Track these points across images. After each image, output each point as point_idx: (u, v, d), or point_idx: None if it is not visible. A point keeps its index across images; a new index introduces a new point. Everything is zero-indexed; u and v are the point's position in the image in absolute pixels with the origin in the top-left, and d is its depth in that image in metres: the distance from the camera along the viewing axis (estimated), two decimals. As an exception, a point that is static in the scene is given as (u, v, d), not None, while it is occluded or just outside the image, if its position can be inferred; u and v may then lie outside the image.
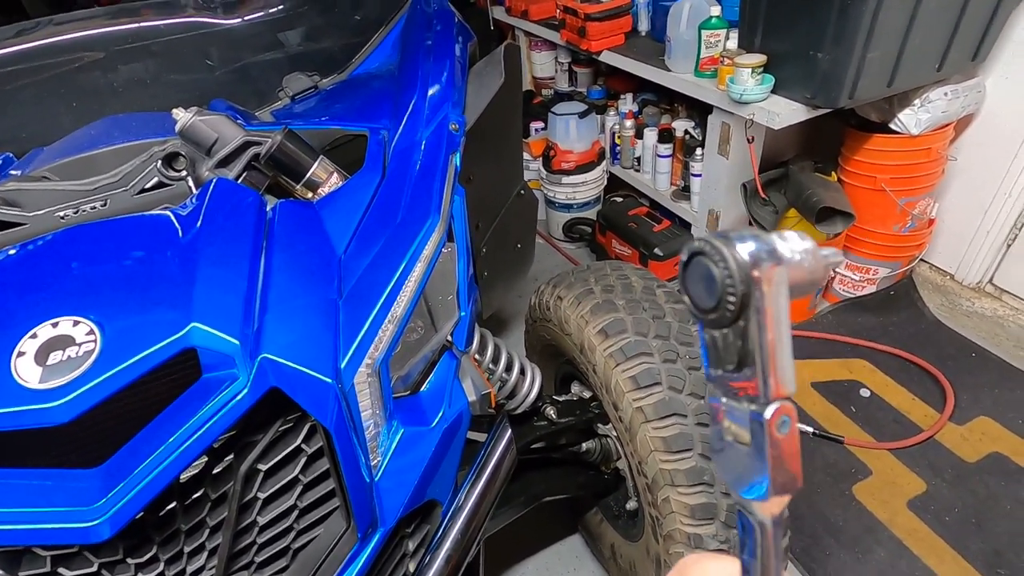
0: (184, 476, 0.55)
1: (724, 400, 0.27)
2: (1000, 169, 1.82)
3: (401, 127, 0.80)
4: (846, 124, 1.81)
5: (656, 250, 2.15)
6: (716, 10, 1.66)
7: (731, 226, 1.96)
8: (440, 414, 0.65)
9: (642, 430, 0.94)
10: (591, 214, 2.58)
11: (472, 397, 0.70)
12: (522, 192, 1.49)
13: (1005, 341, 1.88)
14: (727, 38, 1.68)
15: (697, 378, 0.94)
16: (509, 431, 0.82)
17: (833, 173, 1.86)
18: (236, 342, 0.55)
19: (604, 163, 2.50)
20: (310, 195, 0.81)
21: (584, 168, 2.46)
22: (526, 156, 2.65)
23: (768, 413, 0.25)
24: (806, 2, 1.43)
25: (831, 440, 1.65)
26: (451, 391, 0.68)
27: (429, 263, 0.66)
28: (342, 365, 0.58)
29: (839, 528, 1.45)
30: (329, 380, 0.56)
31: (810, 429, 1.67)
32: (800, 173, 1.77)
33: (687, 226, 2.15)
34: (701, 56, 1.73)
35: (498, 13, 2.92)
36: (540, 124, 2.70)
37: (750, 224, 1.89)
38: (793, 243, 0.25)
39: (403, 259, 0.65)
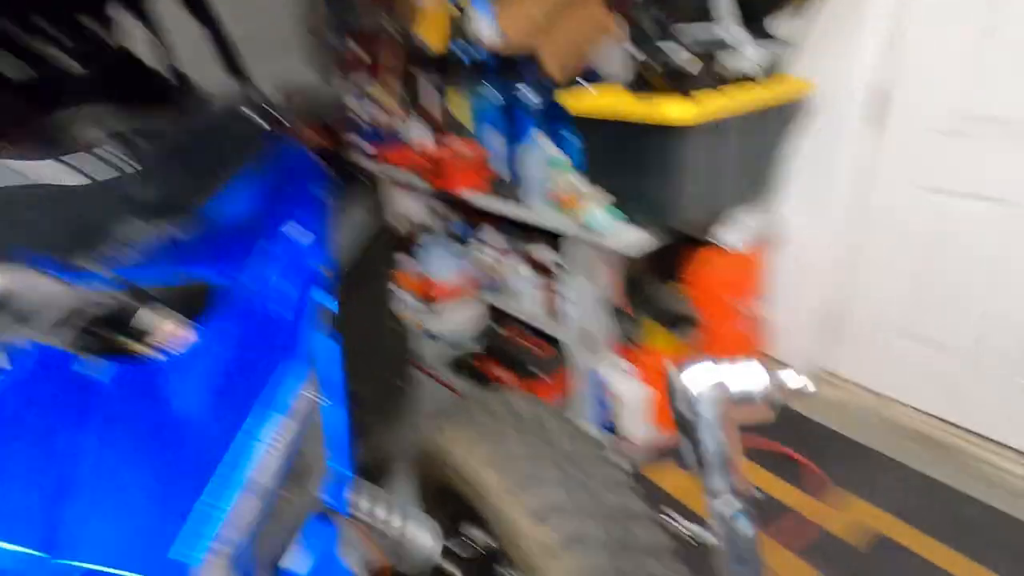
0: None
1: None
2: (807, 276, 2.16)
3: (257, 272, 0.75)
4: (682, 242, 2.08)
5: (536, 371, 2.18)
6: (560, 154, 1.89)
7: (601, 340, 2.07)
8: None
9: (549, 567, 0.86)
10: (469, 343, 2.59)
11: (360, 574, 0.59)
12: (396, 328, 1.46)
13: (854, 423, 2.09)
14: (573, 178, 1.89)
15: (604, 508, 0.90)
16: None
17: (679, 284, 2.09)
18: (32, 551, 0.42)
19: (477, 292, 2.57)
20: (151, 352, 0.70)
21: (458, 298, 2.51)
22: (401, 293, 2.65)
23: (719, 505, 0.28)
24: (631, 152, 1.69)
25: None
26: (333, 569, 0.57)
27: (297, 416, 0.59)
28: (185, 559, 0.46)
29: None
30: None
31: (680, 518, 1.67)
32: (651, 286, 1.96)
33: (561, 345, 2.23)
34: (552, 193, 1.92)
35: (363, 161, 3.06)
36: (410, 259, 2.75)
37: (621, 336, 2.01)
38: (746, 375, 0.35)
39: (264, 414, 0.56)
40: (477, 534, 1.21)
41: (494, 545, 1.10)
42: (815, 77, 1.87)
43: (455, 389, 2.50)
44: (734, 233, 1.95)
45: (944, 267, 1.87)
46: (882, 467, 1.88)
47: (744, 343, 2.16)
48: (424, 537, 0.95)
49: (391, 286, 1.46)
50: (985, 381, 1.87)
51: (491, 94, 2.34)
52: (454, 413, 1.10)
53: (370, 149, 2.97)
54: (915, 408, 2.08)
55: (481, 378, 2.46)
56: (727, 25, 1.67)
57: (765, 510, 1.75)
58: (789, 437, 2.01)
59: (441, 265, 2.45)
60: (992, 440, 1.90)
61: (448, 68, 2.79)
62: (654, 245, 1.79)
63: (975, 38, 1.64)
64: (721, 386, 0.29)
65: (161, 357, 0.65)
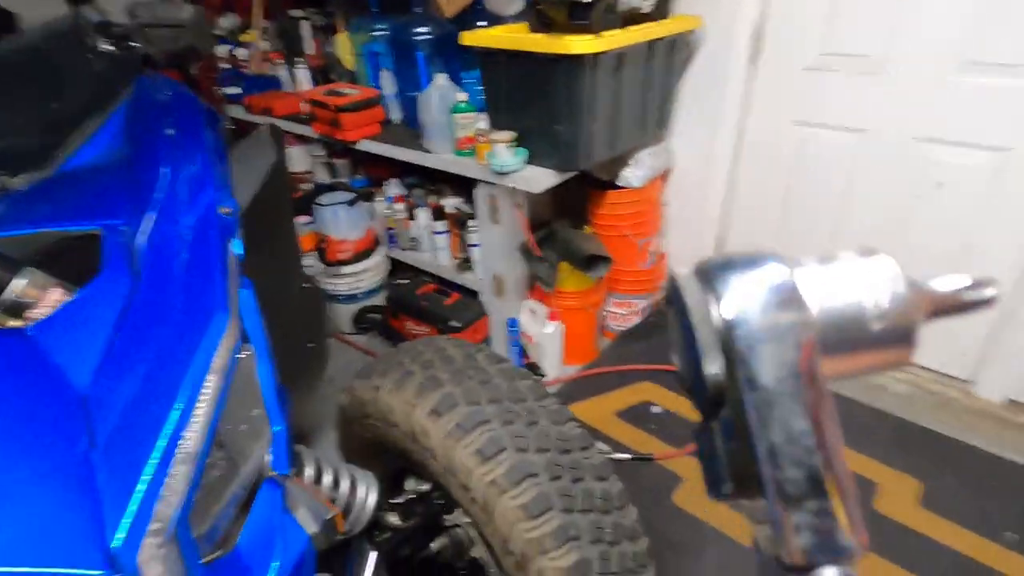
0: None
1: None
2: (696, 209, 2.32)
3: (149, 219, 0.64)
4: (588, 185, 2.12)
5: (452, 322, 2.16)
6: (463, 96, 1.81)
7: (514, 285, 2.09)
8: (276, 566, 0.49)
9: (499, 504, 0.88)
10: (378, 301, 2.50)
11: (313, 529, 0.55)
12: (306, 285, 1.36)
13: (735, 340, 2.33)
14: (477, 119, 1.84)
15: (539, 431, 0.92)
16: (372, 556, 0.67)
17: (587, 227, 2.14)
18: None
19: (382, 248, 2.47)
20: (17, 323, 0.58)
21: (362, 256, 2.39)
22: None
23: None
24: (537, 90, 1.66)
25: (644, 459, 1.79)
26: (283, 530, 0.52)
27: (225, 374, 0.52)
28: (114, 543, 0.39)
29: (672, 538, 1.55)
30: (97, 572, 0.37)
31: (628, 456, 1.80)
32: (563, 230, 2.00)
33: (475, 294, 2.23)
34: (457, 136, 1.86)
35: (237, 113, 2.75)
36: (307, 218, 2.56)
37: (533, 280, 2.04)
38: (851, 279, 0.16)
39: (187, 374, 0.49)
40: (411, 483, 1.21)
41: (437, 498, 1.10)
42: (702, 15, 1.95)
43: (370, 351, 2.42)
44: (634, 170, 2.02)
45: (804, 192, 2.09)
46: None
47: (651, 280, 2.29)
48: (363, 493, 0.93)
49: (294, 237, 1.34)
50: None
51: (380, 34, 2.19)
52: (384, 366, 1.06)
53: (240, 98, 2.67)
54: (790, 323, 2.34)
55: (395, 336, 2.40)
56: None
57: (667, 425, 1.91)
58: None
59: (339, 222, 2.31)
60: (851, 343, 2.21)
61: (329, 6, 2.55)
62: (560, 181, 1.80)
63: (834, -20, 1.79)
64: (798, 305, 0.15)
65: (35, 325, 0.54)
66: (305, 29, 2.67)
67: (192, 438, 0.47)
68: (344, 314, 2.48)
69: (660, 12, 1.82)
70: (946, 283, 0.18)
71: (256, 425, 0.57)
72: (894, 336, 0.17)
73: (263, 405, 0.59)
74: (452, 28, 2.07)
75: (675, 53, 1.92)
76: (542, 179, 1.74)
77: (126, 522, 0.40)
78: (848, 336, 0.16)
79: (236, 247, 0.67)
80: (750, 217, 2.27)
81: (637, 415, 1.98)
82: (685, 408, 1.99)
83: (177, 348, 0.51)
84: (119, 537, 0.39)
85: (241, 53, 2.84)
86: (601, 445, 1.83)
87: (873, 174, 1.92)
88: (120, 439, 0.45)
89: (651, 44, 1.77)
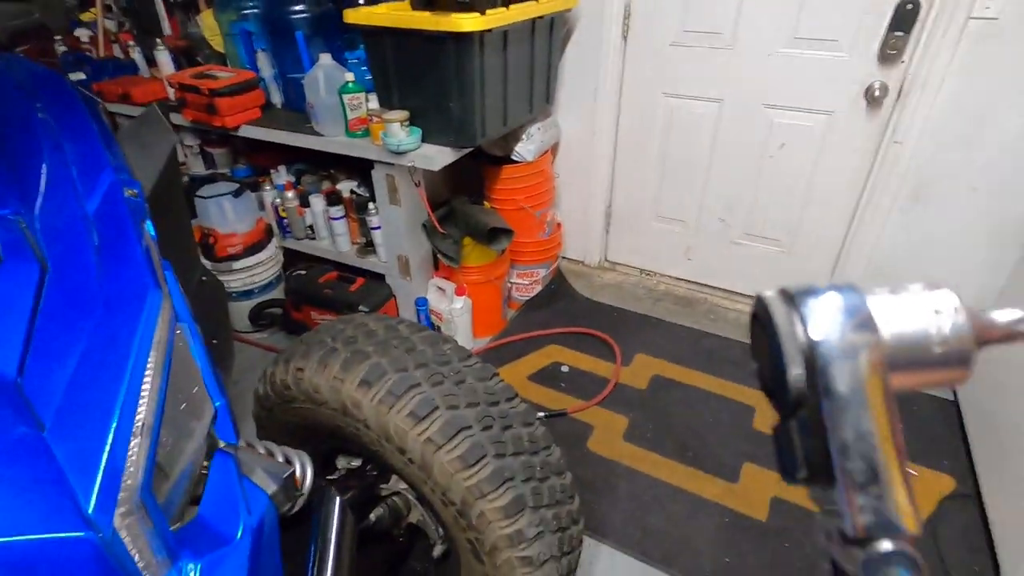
0: None
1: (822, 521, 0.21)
2: (585, 178, 2.48)
3: (43, 205, 0.59)
4: (483, 161, 2.18)
5: (360, 307, 2.14)
6: (350, 76, 1.79)
7: (420, 265, 2.11)
8: (240, 527, 0.51)
9: (436, 459, 0.93)
10: (276, 295, 2.40)
11: (271, 488, 0.57)
12: (205, 278, 1.30)
13: (630, 298, 2.54)
14: (367, 100, 1.82)
15: (467, 388, 0.99)
16: (336, 499, 0.70)
17: (485, 202, 2.21)
18: None
19: (275, 239, 2.37)
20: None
21: (254, 249, 2.27)
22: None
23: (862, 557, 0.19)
24: (426, 68, 1.68)
25: (558, 415, 1.93)
26: (243, 494, 0.54)
27: (165, 350, 0.51)
28: (89, 509, 0.40)
29: (591, 482, 1.70)
30: (80, 533, 0.38)
31: (543, 414, 1.92)
32: (463, 206, 2.05)
33: (380, 277, 2.22)
34: (349, 118, 1.83)
35: (86, 99, 2.46)
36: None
37: (438, 257, 2.07)
38: (914, 309, 0.19)
39: (130, 352, 0.48)
40: (343, 461, 1.22)
41: (371, 470, 1.13)
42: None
43: (272, 347, 2.33)
44: (525, 145, 2.11)
45: (677, 156, 2.31)
46: (652, 327, 2.35)
47: (548, 249, 2.41)
48: (299, 470, 0.94)
49: (189, 227, 1.27)
50: (709, 243, 2.42)
51: (251, 12, 2.07)
52: (305, 348, 1.06)
53: (87, 84, 2.39)
54: (669, 276, 2.60)
55: (299, 329, 2.32)
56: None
57: (575, 381, 2.06)
58: (588, 320, 2.36)
59: (225, 215, 2.17)
60: (720, 288, 2.50)
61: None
62: (457, 158, 1.84)
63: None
64: (871, 327, 0.19)
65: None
66: (160, 7, 2.45)
67: (144, 412, 0.47)
68: (240, 312, 2.35)
69: (538, -9, 1.91)
70: (1003, 315, 0.20)
71: (198, 400, 0.57)
72: (954, 359, 0.19)
73: (202, 381, 0.59)
74: (331, 6, 2.02)
75: (555, 31, 2.02)
76: (439, 157, 1.78)
77: (97, 490, 0.40)
78: (913, 357, 0.19)
79: (150, 229, 0.65)
80: (632, 181, 2.47)
81: (548, 376, 2.11)
82: (591, 365, 2.15)
83: (116, 328, 0.50)
84: (93, 503, 0.40)
85: (83, 34, 2.53)
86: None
87: (731, 137, 2.17)
88: (70, 419, 0.44)
89: (533, 22, 1.85)
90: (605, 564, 1.48)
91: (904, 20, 1.75)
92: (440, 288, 2.17)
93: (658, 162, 2.37)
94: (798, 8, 1.87)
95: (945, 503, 1.60)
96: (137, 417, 0.47)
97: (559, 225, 2.52)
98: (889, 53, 1.80)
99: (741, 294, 2.46)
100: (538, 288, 2.49)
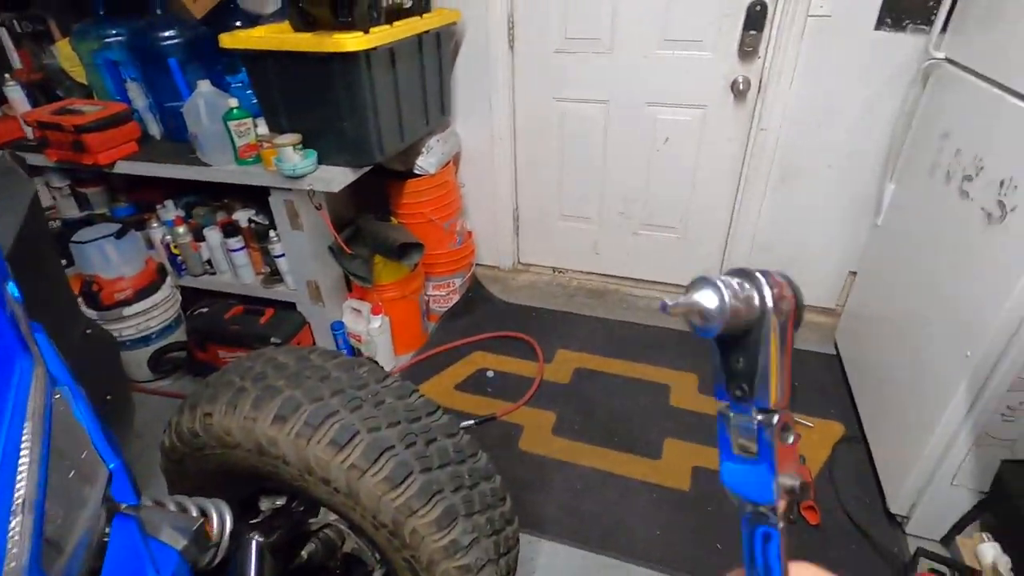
0: None
1: (733, 416, 0.30)
2: (490, 185, 2.53)
3: None
4: (386, 177, 2.17)
5: (272, 339, 2.06)
6: (234, 102, 1.72)
7: (332, 288, 2.07)
8: (149, 588, 0.49)
9: (362, 485, 0.93)
10: (177, 338, 2.25)
11: (181, 544, 0.54)
12: (88, 331, 1.20)
13: (546, 296, 2.62)
14: (256, 125, 1.76)
15: (386, 408, 0.99)
16: (252, 544, 0.67)
17: (392, 218, 2.20)
18: None
19: (169, 279, 2.22)
20: None
21: (146, 292, 2.12)
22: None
23: (774, 420, 0.29)
24: (314, 90, 1.65)
25: (488, 420, 1.95)
26: (149, 555, 0.51)
27: (43, 419, 0.48)
28: None
29: (526, 481, 1.74)
30: None
31: (472, 421, 1.94)
32: (369, 224, 2.03)
33: (291, 306, 2.14)
34: (238, 145, 1.76)
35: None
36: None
37: (350, 279, 2.04)
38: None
39: (1, 425, 0.45)
40: (266, 503, 1.18)
41: (297, 506, 1.10)
42: (460, 8, 2.11)
43: (178, 394, 2.18)
44: (426, 158, 2.13)
45: (573, 157, 2.42)
46: (569, 322, 2.43)
47: (462, 259, 2.43)
48: (217, 521, 0.90)
49: (63, 277, 1.17)
50: (613, 237, 2.55)
51: (115, 40, 1.94)
52: (212, 392, 1.01)
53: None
54: (580, 271, 2.71)
55: (206, 371, 2.19)
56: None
57: (502, 384, 2.10)
58: (508, 323, 2.41)
59: (108, 259, 2.01)
60: (628, 278, 2.64)
61: (35, 10, 2.16)
62: (357, 178, 1.83)
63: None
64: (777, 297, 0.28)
65: None
66: (4, 38, 2.22)
67: (24, 487, 0.44)
68: (138, 360, 2.18)
69: (422, 7, 1.93)
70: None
71: (89, 465, 0.54)
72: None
73: (91, 445, 0.56)
74: (205, 30, 1.93)
75: (443, 44, 2.05)
76: (338, 177, 1.75)
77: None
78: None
79: (12, 290, 0.60)
80: (536, 184, 2.55)
81: (475, 383, 2.13)
82: (515, 367, 2.19)
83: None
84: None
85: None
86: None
87: (620, 135, 2.30)
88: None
89: (419, 38, 1.87)
90: (546, 558, 1.52)
91: (755, 20, 1.94)
92: (355, 309, 2.13)
93: (557, 164, 2.46)
94: (665, 13, 2.03)
95: (837, 447, 1.78)
96: (16, 494, 0.44)
97: (470, 233, 2.55)
98: (747, 50, 1.99)
99: (648, 281, 2.61)
100: (456, 298, 2.51)
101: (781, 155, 2.11)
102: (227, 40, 1.64)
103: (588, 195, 2.49)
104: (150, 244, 2.21)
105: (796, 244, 2.26)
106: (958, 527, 1.42)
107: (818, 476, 1.70)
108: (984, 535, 1.33)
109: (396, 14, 1.79)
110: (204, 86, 1.75)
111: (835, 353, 2.15)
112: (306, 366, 1.04)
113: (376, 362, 2.14)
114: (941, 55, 1.64)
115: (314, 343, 2.15)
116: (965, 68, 1.50)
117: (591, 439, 1.87)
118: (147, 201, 2.28)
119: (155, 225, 2.19)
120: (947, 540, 1.46)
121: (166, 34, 1.88)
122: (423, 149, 2.13)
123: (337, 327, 2.11)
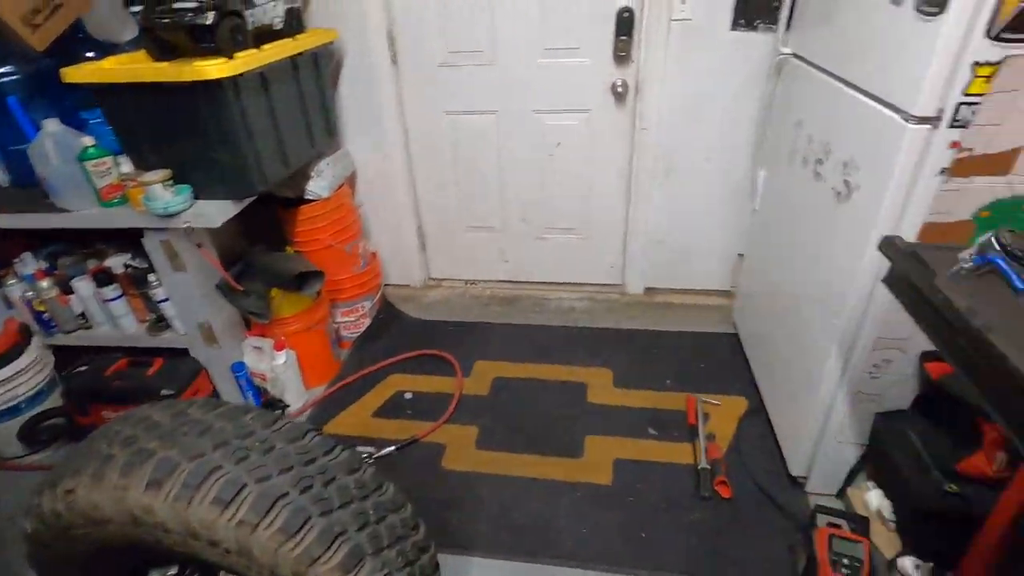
0: None
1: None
2: (389, 203, 2.48)
3: None
4: (277, 205, 2.07)
5: (163, 391, 1.90)
6: (89, 140, 1.58)
7: (227, 328, 1.94)
8: None
9: (255, 540, 0.87)
10: (52, 403, 2.02)
11: None
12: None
13: (459, 309, 2.60)
14: (118, 164, 1.63)
15: (277, 454, 0.93)
16: None
17: (288, 247, 2.10)
18: None
19: (35, 339, 1.99)
20: None
21: (7, 357, 1.89)
22: None
23: None
24: (179, 122, 1.55)
25: (409, 444, 1.91)
26: None
27: None
28: None
29: (452, 500, 1.71)
30: None
31: (393, 448, 1.88)
32: (261, 256, 1.92)
33: (183, 352, 1.99)
34: (98, 187, 1.61)
35: None
36: None
37: (245, 316, 1.92)
38: None
39: None
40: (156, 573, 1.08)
41: (191, 573, 1.02)
42: (336, 27, 2.06)
43: (47, 466, 1.96)
44: (317, 182, 2.05)
45: (470, 168, 2.43)
46: (484, 332, 2.43)
47: (368, 281, 2.36)
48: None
49: None
50: (518, 243, 2.59)
51: (-64, 79, 1.72)
52: (75, 464, 0.92)
53: None
54: (491, 280, 2.72)
55: (85, 433, 1.98)
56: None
57: (421, 405, 2.07)
58: (423, 341, 2.37)
59: (-43, 323, 1.78)
60: (538, 282, 2.68)
61: None
62: (239, 210, 1.73)
63: (436, -10, 2.10)
64: None
65: None
66: None
67: None
68: (7, 434, 1.94)
69: (295, 28, 1.87)
70: None
71: None
72: None
73: None
74: (49, 63, 1.75)
75: (321, 65, 1.99)
76: (218, 212, 1.65)
77: None
78: None
79: None
80: (437, 198, 2.53)
81: (393, 407, 2.07)
82: (433, 385, 2.16)
83: None
84: None
85: None
86: (365, 448, 1.87)
87: (513, 143, 2.34)
88: None
89: (294, 60, 1.81)
90: (478, 574, 1.50)
91: (625, 26, 2.03)
92: (257, 347, 2.01)
93: (455, 176, 2.46)
94: (540, 24, 2.08)
95: (742, 421, 1.89)
96: None
97: (374, 254, 2.49)
98: (620, 55, 2.08)
99: (557, 283, 2.66)
100: (367, 321, 2.44)
101: (663, 152, 2.22)
102: (72, 74, 1.50)
103: (489, 204, 2.51)
104: (9, 303, 1.97)
105: (688, 234, 2.38)
106: (848, 480, 1.55)
107: (728, 451, 1.79)
108: (869, 483, 1.46)
109: (266, 37, 1.72)
110: (51, 125, 1.59)
111: (734, 332, 2.28)
112: (183, 421, 0.97)
113: (284, 407, 2.03)
114: (788, 51, 1.80)
115: (214, 389, 2.01)
116: (808, 62, 1.65)
117: (514, 448, 1.87)
118: (0, 256, 2.04)
119: (13, 282, 1.96)
120: (841, 493, 1.58)
121: (1, 71, 1.69)
122: (312, 173, 2.06)
123: (238, 368, 1.98)
